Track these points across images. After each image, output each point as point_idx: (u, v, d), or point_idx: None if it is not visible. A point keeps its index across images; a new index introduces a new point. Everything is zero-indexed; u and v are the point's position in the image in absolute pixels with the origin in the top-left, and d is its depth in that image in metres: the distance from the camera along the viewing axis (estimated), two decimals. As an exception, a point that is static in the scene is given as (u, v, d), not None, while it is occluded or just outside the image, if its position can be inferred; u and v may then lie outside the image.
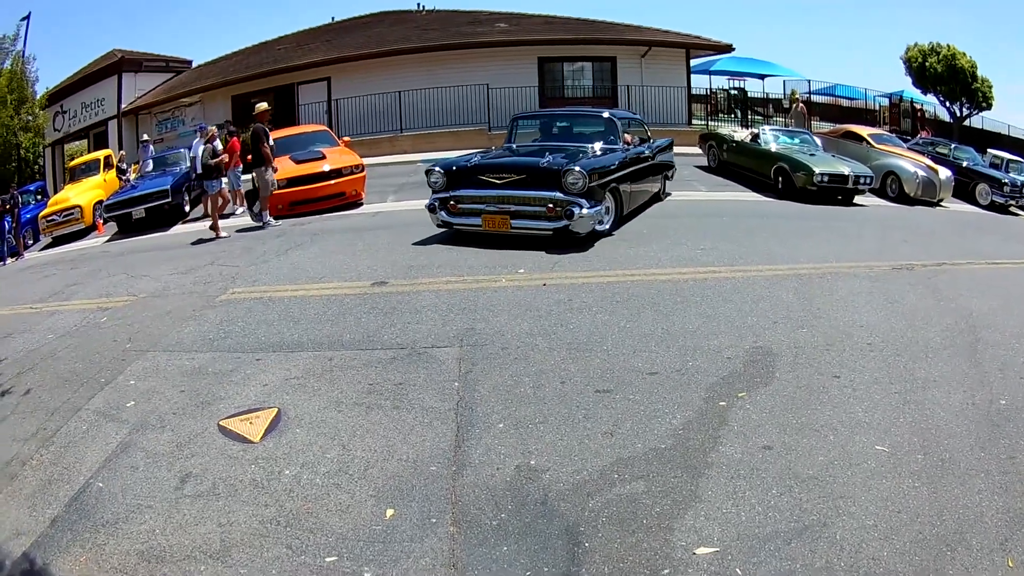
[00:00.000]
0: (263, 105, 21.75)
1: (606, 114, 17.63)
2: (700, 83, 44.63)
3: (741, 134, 27.79)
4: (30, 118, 40.81)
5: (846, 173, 21.67)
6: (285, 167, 21.66)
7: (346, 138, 26.56)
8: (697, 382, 7.59)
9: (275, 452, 7.19)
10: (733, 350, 8.38)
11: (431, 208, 15.44)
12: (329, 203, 21.82)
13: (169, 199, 24.37)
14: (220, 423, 8.06)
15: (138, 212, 24.55)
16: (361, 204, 22.52)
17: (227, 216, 23.41)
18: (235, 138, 25.73)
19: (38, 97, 42.00)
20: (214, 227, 19.92)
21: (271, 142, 20.60)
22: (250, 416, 8.14)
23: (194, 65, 49.11)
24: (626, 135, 17.09)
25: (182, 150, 28.62)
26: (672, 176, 21.35)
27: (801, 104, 34.78)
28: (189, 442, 7.75)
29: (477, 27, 39.84)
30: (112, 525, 6.47)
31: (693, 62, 40.68)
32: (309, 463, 6.96)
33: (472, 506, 5.80)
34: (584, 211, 13.70)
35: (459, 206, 15.00)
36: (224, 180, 20.72)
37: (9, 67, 39.77)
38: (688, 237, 15.12)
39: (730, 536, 5.08)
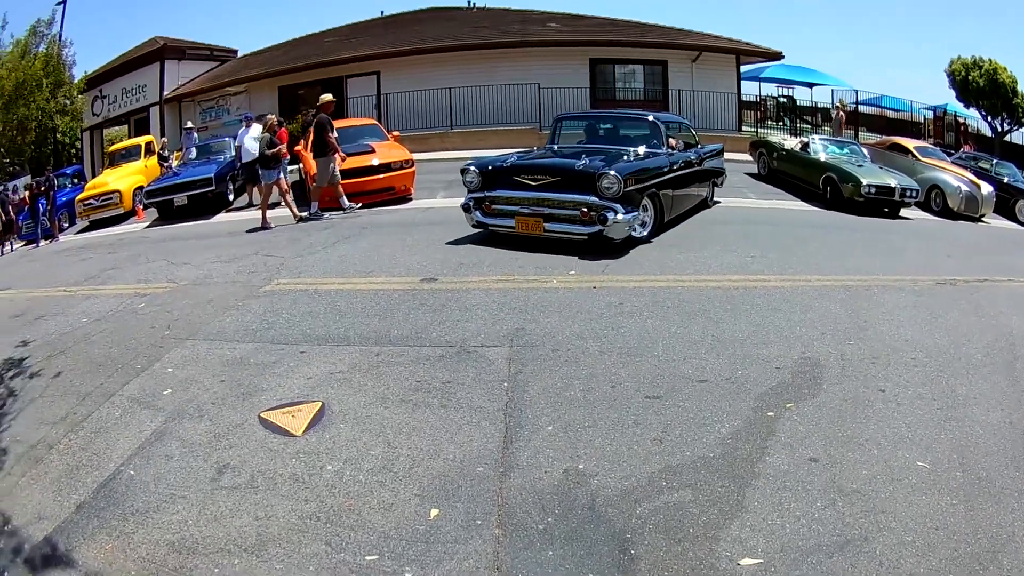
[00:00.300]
0: (327, 96, 21.71)
1: (650, 117, 17.21)
2: (749, 89, 44.58)
3: (791, 142, 27.55)
4: (68, 102, 41.12)
5: (892, 185, 21.72)
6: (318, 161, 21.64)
7: (396, 132, 26.50)
8: (746, 391, 7.61)
9: (318, 447, 7.17)
10: (782, 360, 8.40)
11: (466, 208, 15.37)
12: (378, 197, 21.79)
13: (213, 187, 24.57)
14: (261, 415, 8.00)
15: (180, 199, 24.64)
16: (410, 200, 22.51)
17: (274, 206, 23.42)
18: (283, 129, 25.70)
19: (76, 81, 43.42)
20: (286, 214, 20.15)
21: (335, 132, 20.68)
22: (293, 409, 8.07)
23: (239, 55, 49.73)
24: (671, 139, 16.71)
25: (227, 139, 28.83)
26: (722, 183, 21.14)
27: (841, 112, 35.06)
28: (228, 433, 7.70)
29: (528, 26, 39.92)
30: (142, 514, 6.42)
31: (743, 68, 40.56)
32: (352, 459, 6.90)
33: (519, 509, 5.78)
34: (619, 216, 13.40)
35: (493, 207, 14.86)
36: (277, 171, 20.58)
37: (44, 51, 39.89)
38: (738, 244, 15.05)
39: (774, 548, 5.10)
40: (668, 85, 37.64)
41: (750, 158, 29.56)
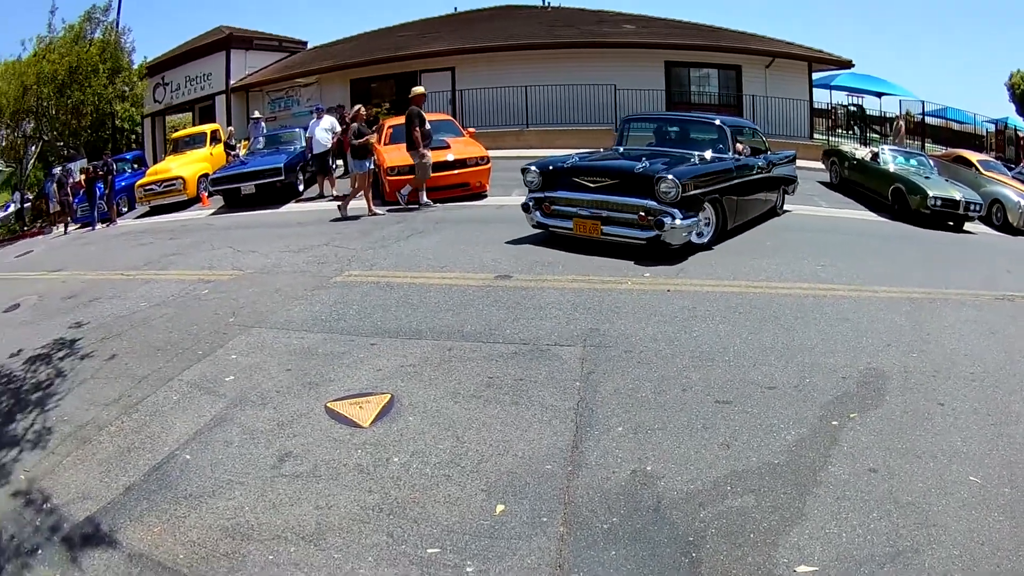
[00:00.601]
0: (419, 89, 21.59)
1: (717, 121, 16.90)
2: (820, 97, 44.13)
3: (862, 152, 27.21)
4: (126, 88, 41.76)
5: (957, 198, 21.28)
6: (407, 154, 21.57)
7: (471, 129, 26.45)
8: (813, 399, 7.65)
9: (384, 438, 7.22)
10: (848, 370, 8.41)
11: (525, 207, 15.34)
12: (452, 192, 21.60)
13: (282, 177, 24.81)
14: (328, 405, 8.01)
15: (248, 188, 24.90)
16: (485, 196, 22.21)
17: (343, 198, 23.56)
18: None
19: (135, 67, 43.64)
20: (368, 207, 19.97)
21: (427, 126, 20.62)
22: (360, 400, 8.06)
23: (309, 47, 50.21)
24: (739, 144, 16.46)
25: (297, 129, 29.12)
26: (793, 191, 20.76)
27: (900, 121, 34.63)
28: (292, 421, 7.72)
29: (603, 27, 39.78)
30: (196, 498, 6.43)
31: (814, 76, 40.03)
32: (420, 452, 6.91)
33: (584, 508, 5.85)
34: (677, 222, 13.17)
35: (553, 207, 14.80)
36: (368, 162, 20.54)
37: (100, 37, 40.59)
38: (809, 253, 14.82)
39: (830, 556, 5.15)
40: (742, 90, 37.51)
41: (822, 166, 29.55)
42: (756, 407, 7.46)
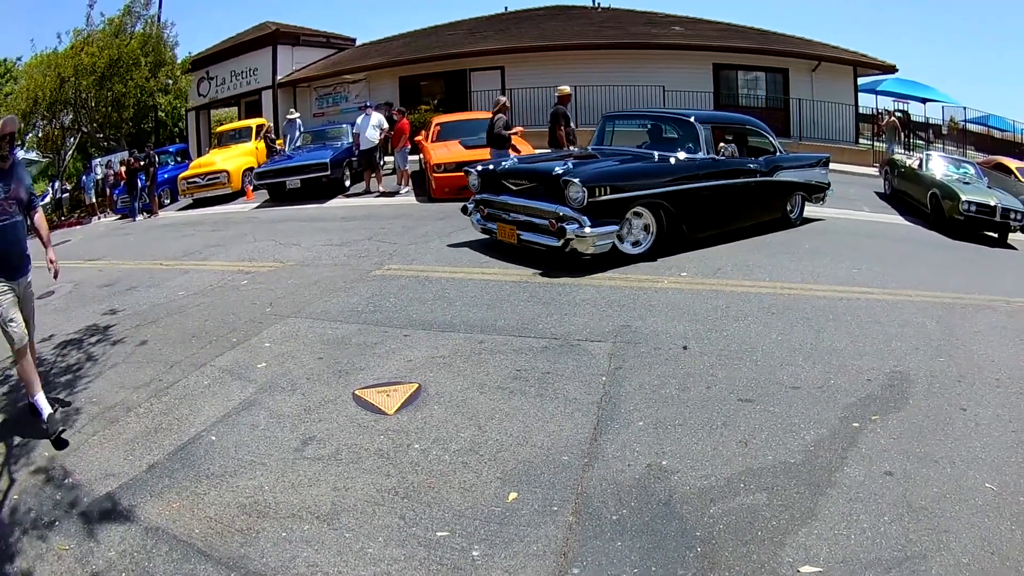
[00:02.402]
0: (565, 88, 21.70)
1: (691, 118, 15.51)
2: (865, 102, 43.83)
3: (911, 160, 26.87)
4: (169, 81, 42.39)
5: (992, 204, 20.48)
6: (454, 151, 21.87)
7: (519, 128, 26.51)
8: (836, 401, 7.70)
9: (408, 426, 7.40)
10: (874, 372, 8.47)
11: (464, 210, 15.26)
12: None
13: (328, 172, 25.27)
14: (355, 392, 8.19)
15: (293, 182, 25.31)
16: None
17: (392, 194, 23.72)
18: (404, 119, 26.48)
19: (179, 61, 43.72)
20: None
21: (571, 126, 20.72)
22: (388, 388, 8.23)
23: (357, 44, 50.91)
24: (725, 144, 15.96)
25: (344, 125, 29.48)
26: (823, 198, 18.92)
27: (891, 118, 34.19)
28: (318, 407, 7.91)
29: (653, 28, 40.46)
30: (218, 477, 6.64)
31: (859, 81, 39.97)
32: (440, 439, 7.07)
33: (596, 499, 5.96)
34: (584, 229, 12.44)
35: (487, 211, 14.66)
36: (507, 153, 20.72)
37: (142, 30, 41.27)
38: (846, 256, 14.82)
39: (836, 558, 5.20)
40: (789, 93, 37.76)
41: (869, 171, 29.35)
42: (778, 406, 7.55)
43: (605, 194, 12.75)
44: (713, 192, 14.82)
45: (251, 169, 28.29)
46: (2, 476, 7.25)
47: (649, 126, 17.14)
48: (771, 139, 17.66)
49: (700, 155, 14.72)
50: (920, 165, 24.45)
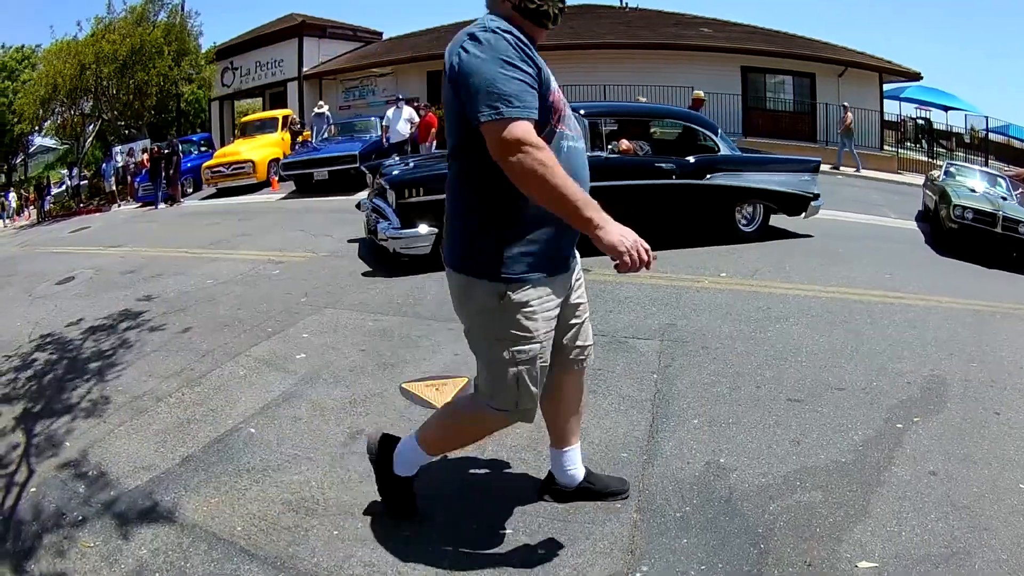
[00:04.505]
0: (700, 93, 22.69)
1: (581, 111, 13.60)
2: (888, 109, 43.89)
3: (937, 172, 26.25)
4: (193, 71, 42.88)
5: (990, 211, 17.48)
6: None
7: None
8: (879, 403, 7.82)
9: None
10: (912, 376, 8.62)
11: (358, 206, 15.25)
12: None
13: (357, 164, 24.97)
14: (402, 385, 8.01)
15: (320, 174, 25.54)
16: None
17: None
18: (430, 113, 26.71)
19: (203, 51, 44.50)
20: None
21: None
22: (437, 382, 8.05)
23: (384, 38, 51.47)
24: (626, 142, 14.79)
25: (372, 118, 29.56)
26: (809, 210, 15.94)
27: (848, 114, 33.53)
28: (364, 400, 7.71)
29: (681, 29, 41.09)
30: (260, 472, 6.38)
31: (883, 87, 40.22)
32: (496, 436, 6.77)
33: (658, 496, 5.91)
34: (391, 231, 12.73)
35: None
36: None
37: (165, 19, 41.74)
38: (877, 262, 14.73)
39: (890, 554, 5.27)
40: (816, 98, 38.08)
41: (895, 178, 29.27)
42: (826, 407, 7.61)
43: (418, 196, 12.84)
44: (594, 194, 13.29)
45: (277, 160, 28.54)
46: (21, 467, 7.00)
47: None
48: (712, 136, 15.70)
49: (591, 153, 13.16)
50: (948, 174, 22.82)
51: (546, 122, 4.14)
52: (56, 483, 6.56)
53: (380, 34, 51.53)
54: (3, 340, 11.21)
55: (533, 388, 4.60)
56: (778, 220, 16.11)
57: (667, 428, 7.00)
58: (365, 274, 12.82)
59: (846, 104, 33.11)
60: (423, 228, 12.67)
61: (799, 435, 6.93)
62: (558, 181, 3.89)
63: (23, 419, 8.12)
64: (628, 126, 15.66)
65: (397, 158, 16.70)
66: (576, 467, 5.54)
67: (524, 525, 5.46)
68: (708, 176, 14.88)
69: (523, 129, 3.82)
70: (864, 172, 31.28)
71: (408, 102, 27.79)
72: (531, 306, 4.39)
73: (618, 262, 4.02)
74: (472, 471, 6.26)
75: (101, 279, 14.47)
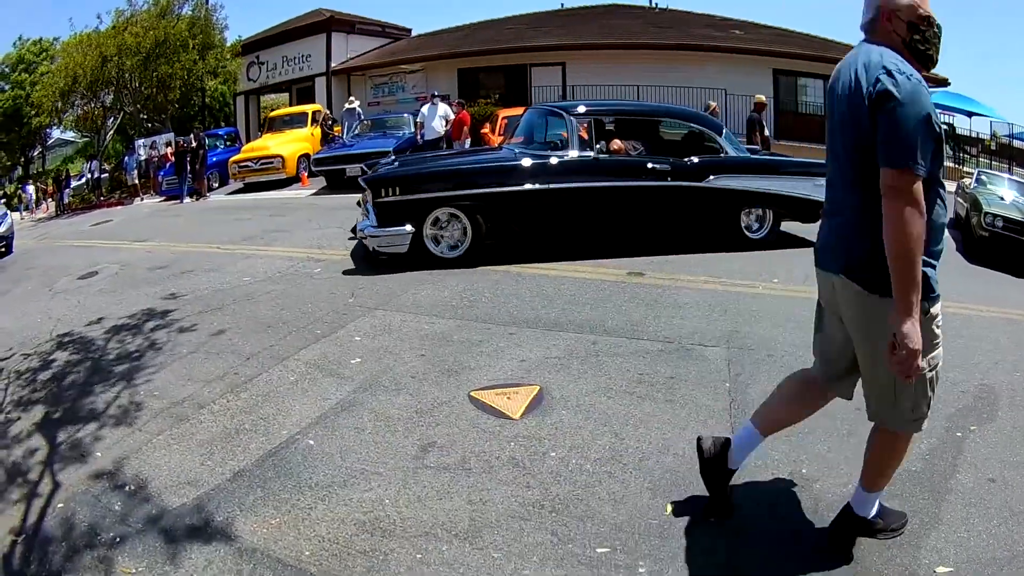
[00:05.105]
0: (761, 97, 23.37)
1: (581, 108, 14.28)
2: None
3: (969, 180, 25.56)
4: (219, 64, 43.02)
5: (1019, 219, 17.16)
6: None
7: (586, 124, 26.21)
8: (938, 411, 7.30)
9: (538, 432, 7.00)
10: (965, 385, 8.61)
11: (358, 203, 15.31)
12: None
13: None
14: (471, 394, 7.72)
15: (353, 169, 24.89)
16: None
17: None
18: (464, 111, 26.78)
19: (229, 45, 44.75)
20: None
21: (765, 133, 22.73)
22: (508, 390, 7.76)
23: (413, 34, 51.57)
24: (618, 142, 14.27)
25: (405, 115, 29.63)
26: (807, 214, 14.78)
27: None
28: (432, 409, 7.40)
29: (712, 30, 40.95)
30: (324, 489, 6.00)
31: None
32: (578, 447, 6.72)
33: (749, 509, 5.87)
34: (369, 229, 12.90)
35: None
36: None
37: (190, 13, 41.93)
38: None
39: (962, 559, 5.39)
40: None
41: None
42: None
43: (394, 195, 12.89)
44: (567, 196, 13.50)
45: (307, 155, 28.49)
46: (44, 479, 6.63)
47: (542, 122, 15.56)
48: (716, 137, 14.88)
49: (572, 153, 13.59)
50: (979, 182, 21.79)
51: (930, 175, 4.37)
52: (87, 498, 6.20)
53: (409, 30, 51.70)
54: (21, 338, 10.97)
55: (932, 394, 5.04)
56: (792, 227, 15.35)
57: (747, 439, 7.00)
58: (410, 273, 12.52)
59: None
60: (400, 227, 12.79)
61: (872, 445, 7.07)
62: (916, 248, 4.14)
63: (44, 425, 7.82)
64: (626, 126, 15.19)
65: (393, 157, 16.92)
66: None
67: (620, 543, 5.36)
68: (709, 178, 14.20)
69: (919, 189, 4.14)
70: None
71: (442, 99, 27.66)
72: (938, 315, 4.75)
73: (902, 352, 4.23)
74: (554, 487, 6.04)
75: (127, 275, 14.22)
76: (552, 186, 13.24)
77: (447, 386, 7.92)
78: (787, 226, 14.99)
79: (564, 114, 13.90)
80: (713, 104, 22.55)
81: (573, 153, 13.43)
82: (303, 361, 8.70)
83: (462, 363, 8.53)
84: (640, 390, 7.90)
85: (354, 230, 13.20)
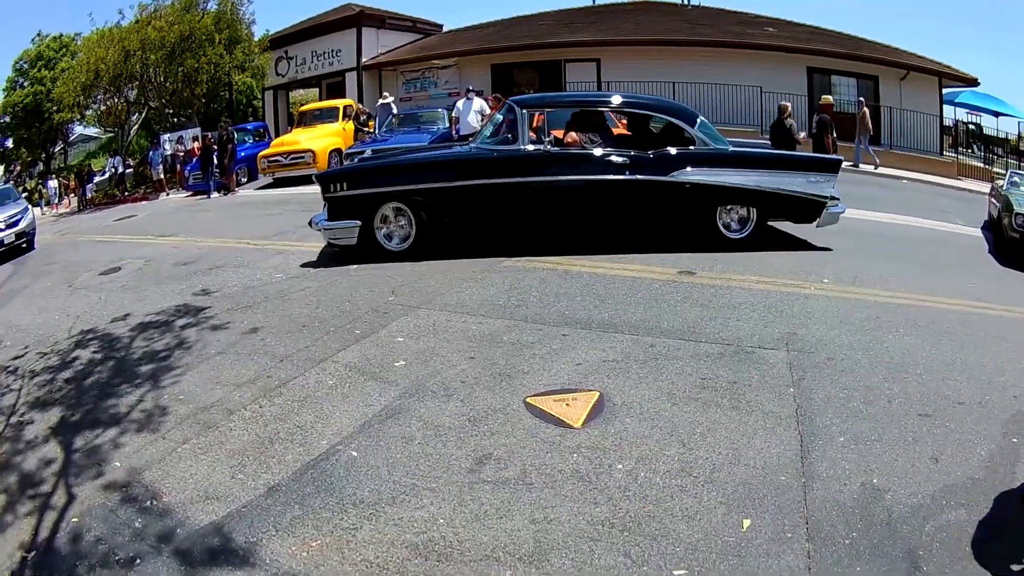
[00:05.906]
0: (829, 98, 24.01)
1: (514, 102, 14.07)
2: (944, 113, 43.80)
3: (1002, 181, 24.96)
4: (246, 59, 43.09)
5: None
6: (572, 138, 20.99)
7: (624, 120, 25.91)
8: (994, 416, 7.69)
9: (602, 442, 6.71)
10: (1016, 389, 8.36)
11: None
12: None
13: (427, 155, 24.10)
14: (527, 400, 7.44)
15: None
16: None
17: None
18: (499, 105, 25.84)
19: (257, 39, 44.59)
20: None
21: (834, 134, 23.26)
22: (566, 396, 7.44)
23: (444, 29, 51.77)
24: (574, 134, 13.83)
25: (440, 110, 29.75)
26: (823, 217, 13.63)
27: (864, 108, 33.30)
28: (486, 417, 7.06)
29: (746, 28, 40.72)
30: (370, 506, 5.67)
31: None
32: (645, 459, 6.46)
33: (825, 522, 5.74)
34: (324, 222, 13.38)
35: None
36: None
37: (216, 8, 42.09)
38: (960, 269, 14.51)
39: None
40: (879, 101, 37.91)
41: (956, 183, 29.02)
42: (952, 421, 7.49)
43: (341, 190, 13.29)
44: (510, 190, 13.17)
45: (338, 150, 28.34)
46: (58, 490, 6.33)
47: (510, 115, 14.46)
48: (687, 127, 13.75)
49: (518, 147, 13.28)
50: (1013, 184, 21.30)
51: None
52: (103, 512, 5.90)
53: (440, 26, 51.83)
54: (39, 335, 10.77)
55: None
56: (799, 229, 14.69)
57: (817, 447, 6.79)
58: (453, 269, 12.24)
59: (862, 99, 32.77)
60: (348, 221, 13.16)
61: (936, 452, 6.86)
62: None
63: (60, 429, 7.56)
64: (588, 118, 14.41)
65: (369, 152, 17.44)
66: None
67: (697, 563, 5.17)
68: (676, 172, 13.32)
69: None
70: (926, 177, 31.15)
71: (477, 94, 27.70)
72: None
73: None
74: (624, 503, 5.81)
75: (151, 270, 14.05)
76: (496, 181, 13.13)
77: (500, 392, 7.61)
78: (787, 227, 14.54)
79: (515, 107, 13.65)
80: (787, 105, 22.01)
81: (527, 147, 13.19)
82: (342, 363, 8.38)
83: (515, 366, 8.22)
84: (704, 396, 7.67)
85: (311, 223, 13.41)
